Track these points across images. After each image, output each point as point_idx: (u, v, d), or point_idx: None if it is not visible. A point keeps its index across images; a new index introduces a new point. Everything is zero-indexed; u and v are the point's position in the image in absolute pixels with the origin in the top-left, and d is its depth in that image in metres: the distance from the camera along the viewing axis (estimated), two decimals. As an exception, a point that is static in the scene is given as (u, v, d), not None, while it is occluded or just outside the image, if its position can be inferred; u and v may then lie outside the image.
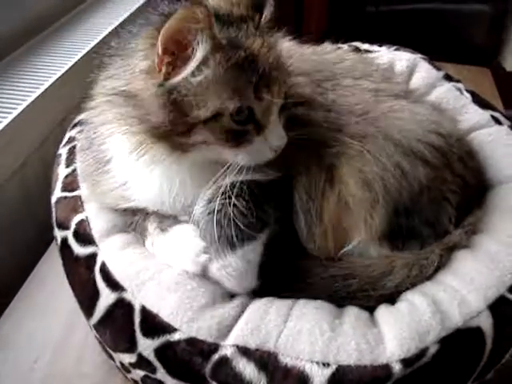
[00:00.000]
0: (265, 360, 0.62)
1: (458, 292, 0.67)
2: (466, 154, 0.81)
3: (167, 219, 0.75)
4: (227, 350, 0.63)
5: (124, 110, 0.67)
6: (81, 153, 0.86)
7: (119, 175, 0.74)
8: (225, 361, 0.62)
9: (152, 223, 0.75)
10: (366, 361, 0.61)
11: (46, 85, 1.12)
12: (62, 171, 0.88)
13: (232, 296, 0.69)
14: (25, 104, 1.05)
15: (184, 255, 0.69)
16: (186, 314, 0.65)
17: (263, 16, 0.70)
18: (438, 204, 0.75)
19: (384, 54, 1.10)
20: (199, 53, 0.61)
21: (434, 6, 2.06)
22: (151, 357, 0.65)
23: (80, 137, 0.90)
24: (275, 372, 0.61)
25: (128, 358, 0.68)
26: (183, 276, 0.69)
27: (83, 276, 0.73)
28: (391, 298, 0.70)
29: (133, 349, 0.67)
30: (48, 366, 0.81)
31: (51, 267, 0.95)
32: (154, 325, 0.65)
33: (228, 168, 0.69)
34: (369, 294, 0.70)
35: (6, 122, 0.99)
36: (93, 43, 1.30)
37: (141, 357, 0.66)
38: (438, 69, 1.08)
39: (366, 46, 1.15)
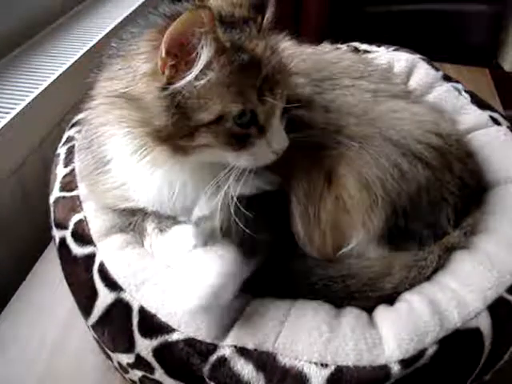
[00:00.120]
0: (263, 360, 0.62)
1: (456, 293, 0.67)
2: (464, 155, 0.81)
3: (166, 220, 0.74)
4: (225, 350, 0.63)
5: (126, 113, 0.67)
6: (79, 152, 0.86)
7: (119, 175, 0.74)
8: (223, 361, 0.62)
9: (151, 223, 0.75)
10: (364, 361, 0.61)
11: (45, 85, 1.12)
12: (60, 171, 0.88)
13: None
14: (23, 104, 1.05)
15: (182, 256, 0.68)
16: (184, 314, 0.65)
17: (265, 18, 0.70)
18: (436, 205, 0.75)
19: (383, 55, 1.10)
20: (203, 56, 0.61)
21: (433, 6, 2.06)
22: (149, 357, 0.65)
23: (78, 136, 0.90)
24: (273, 372, 0.61)
25: (126, 359, 0.68)
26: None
27: (81, 276, 0.73)
28: (390, 299, 0.70)
29: (131, 349, 0.67)
30: (46, 367, 0.81)
31: (49, 267, 0.95)
32: (152, 325, 0.65)
33: (229, 170, 0.69)
34: (367, 295, 0.70)
35: (4, 121, 0.99)
36: (91, 43, 1.30)
37: (139, 357, 0.66)
38: (437, 69, 1.08)
39: (364, 47, 1.15)
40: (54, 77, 1.15)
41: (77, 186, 0.83)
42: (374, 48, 1.15)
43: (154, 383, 0.68)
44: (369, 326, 0.65)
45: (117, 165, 0.73)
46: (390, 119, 0.79)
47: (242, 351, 0.63)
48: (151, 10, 0.72)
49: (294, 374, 0.61)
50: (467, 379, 0.65)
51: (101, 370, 0.80)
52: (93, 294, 0.70)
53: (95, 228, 0.77)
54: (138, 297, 0.67)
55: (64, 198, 0.82)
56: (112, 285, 0.70)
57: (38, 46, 1.27)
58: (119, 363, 0.71)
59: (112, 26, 1.41)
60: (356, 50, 1.13)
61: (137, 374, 0.69)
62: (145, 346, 0.65)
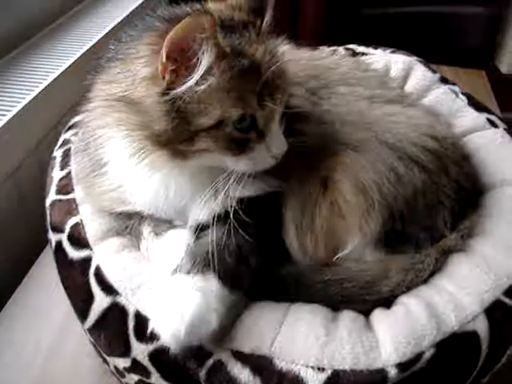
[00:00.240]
0: (260, 364, 0.62)
1: (453, 296, 0.67)
2: (461, 158, 0.81)
3: (162, 224, 0.74)
4: (222, 354, 0.63)
5: (125, 116, 0.67)
6: (76, 155, 0.85)
7: (116, 178, 0.74)
8: (219, 365, 0.62)
9: (147, 227, 0.75)
10: (361, 365, 0.61)
11: (41, 87, 1.11)
12: (56, 174, 0.87)
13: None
14: (19, 107, 1.05)
15: (178, 260, 0.68)
16: (180, 319, 0.64)
17: (264, 21, 0.70)
18: (433, 208, 0.75)
19: (380, 57, 1.10)
20: (204, 62, 0.61)
21: (429, 8, 2.06)
22: (145, 361, 0.65)
23: (75, 139, 0.90)
24: (270, 376, 0.61)
25: (122, 363, 0.68)
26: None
27: (77, 280, 0.73)
28: (387, 302, 0.70)
29: (127, 353, 0.66)
30: (42, 371, 0.81)
31: (46, 270, 0.94)
32: (148, 329, 0.65)
33: (228, 174, 0.69)
34: (364, 298, 0.70)
35: (0, 124, 0.99)
36: (88, 46, 1.30)
37: (135, 361, 0.66)
38: (434, 71, 1.08)
39: (361, 49, 1.15)
40: (50, 79, 1.14)
41: (73, 189, 0.83)
42: (370, 50, 1.15)
43: (150, 387, 0.68)
44: (366, 330, 0.65)
45: (114, 167, 0.73)
46: (386, 123, 0.79)
47: (239, 355, 0.62)
48: (149, 12, 0.71)
49: (290, 378, 0.61)
50: (464, 382, 0.64)
51: (97, 373, 0.80)
52: (89, 298, 0.70)
53: (91, 231, 0.76)
54: (133, 301, 0.67)
55: (60, 201, 0.82)
56: (108, 289, 0.69)
57: (33, 49, 1.27)
58: (116, 367, 0.71)
59: (110, 27, 1.41)
60: (353, 52, 1.13)
61: (133, 378, 0.69)
62: (141, 351, 0.65)
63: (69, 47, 1.29)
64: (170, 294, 0.63)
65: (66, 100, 1.16)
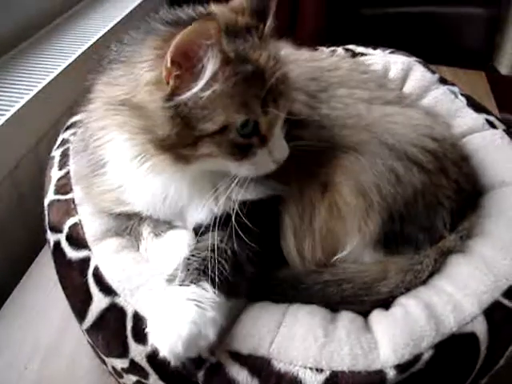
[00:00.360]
0: (258, 366, 0.62)
1: (452, 297, 0.67)
2: (460, 159, 0.81)
3: (162, 224, 0.74)
4: (220, 355, 0.63)
5: (127, 119, 0.66)
6: (75, 155, 0.85)
7: (115, 179, 0.74)
8: (218, 367, 0.62)
9: (146, 228, 0.75)
10: (359, 366, 0.61)
11: (40, 87, 1.11)
12: (54, 174, 0.87)
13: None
14: (17, 106, 1.05)
15: (177, 261, 0.68)
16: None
17: (266, 25, 0.70)
18: (432, 209, 0.75)
19: (379, 57, 1.10)
20: (209, 68, 0.60)
21: (429, 9, 2.06)
22: (143, 363, 0.65)
23: (74, 139, 0.90)
24: (268, 378, 0.61)
25: (120, 364, 0.68)
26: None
27: (76, 280, 0.72)
28: (385, 303, 0.70)
29: (125, 354, 0.66)
30: (39, 371, 0.81)
31: (44, 271, 0.94)
32: (146, 330, 0.65)
33: (230, 178, 0.69)
34: (363, 299, 0.70)
35: (-2, 123, 0.99)
36: (86, 45, 1.30)
37: (133, 362, 0.66)
38: (433, 72, 1.08)
39: (360, 49, 1.15)
40: (48, 79, 1.15)
41: (72, 189, 0.83)
42: (370, 51, 1.14)
43: (148, 388, 0.68)
44: (364, 331, 0.65)
45: (113, 168, 0.73)
46: (385, 124, 0.79)
47: (237, 356, 0.62)
48: (152, 14, 0.71)
49: (288, 379, 0.60)
50: (463, 384, 0.64)
51: (95, 374, 0.80)
52: (87, 298, 0.70)
53: (90, 232, 0.76)
54: (132, 302, 0.67)
55: (59, 200, 0.82)
56: (106, 289, 0.69)
57: (32, 49, 1.27)
58: (114, 368, 0.71)
59: (109, 27, 1.41)
60: (352, 52, 1.13)
61: (131, 378, 0.69)
62: (139, 352, 0.65)
63: (67, 47, 1.29)
64: (166, 308, 0.62)
65: (64, 99, 1.16)
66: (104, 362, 0.74)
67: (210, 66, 0.60)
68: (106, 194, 0.75)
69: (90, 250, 0.74)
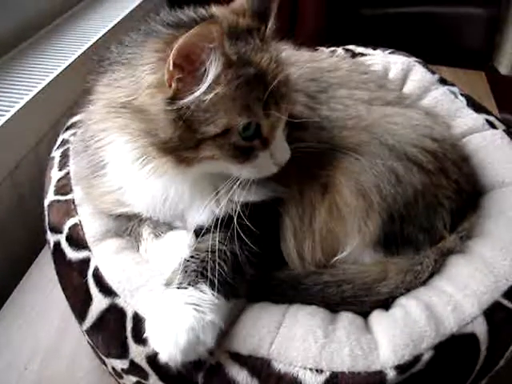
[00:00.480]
0: (258, 366, 0.62)
1: (452, 297, 0.67)
2: (460, 159, 0.81)
3: (162, 225, 0.74)
4: (220, 356, 0.63)
5: (128, 122, 0.66)
6: (75, 156, 0.85)
7: (115, 180, 0.73)
8: (217, 367, 0.62)
9: (147, 229, 0.75)
10: (359, 367, 0.61)
11: (40, 87, 1.11)
12: (54, 174, 0.87)
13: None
14: (17, 107, 1.05)
15: (177, 262, 0.68)
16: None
17: (268, 27, 0.70)
18: (432, 209, 0.75)
19: (379, 58, 1.10)
20: (212, 72, 0.60)
21: (429, 9, 2.06)
22: (143, 363, 0.65)
23: (74, 139, 0.90)
24: (268, 379, 0.61)
25: (120, 364, 0.68)
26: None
27: (76, 281, 0.72)
28: (385, 304, 0.70)
29: (125, 355, 0.66)
30: (39, 371, 0.81)
31: (44, 271, 0.94)
32: (145, 335, 0.64)
33: (232, 181, 0.69)
34: (363, 300, 0.70)
35: (-2, 124, 0.99)
36: (86, 46, 1.30)
37: (133, 363, 0.66)
38: (433, 72, 1.08)
39: (360, 49, 1.15)
40: (48, 79, 1.15)
41: (72, 190, 0.83)
42: (370, 51, 1.14)
43: (148, 389, 0.68)
44: (364, 331, 0.65)
45: (114, 169, 0.73)
46: (385, 124, 0.79)
47: (237, 357, 0.62)
48: (152, 16, 0.71)
49: (288, 379, 0.60)
50: (463, 385, 0.64)
51: (95, 374, 0.80)
52: (87, 299, 0.70)
53: (90, 232, 0.76)
54: (132, 302, 0.67)
55: (59, 201, 0.82)
56: (106, 290, 0.69)
57: (32, 49, 1.28)
58: (113, 369, 0.71)
59: (108, 27, 1.42)
60: (352, 53, 1.13)
61: (131, 379, 0.69)
62: (138, 353, 0.65)
63: (67, 48, 1.29)
64: (163, 313, 0.62)
65: (64, 100, 1.16)
66: (104, 363, 0.74)
67: (213, 69, 0.60)
68: (105, 196, 0.75)
69: (90, 250, 0.74)
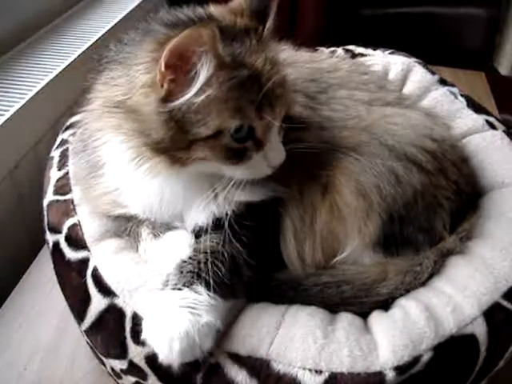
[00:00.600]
0: (257, 367, 0.62)
1: (452, 298, 0.67)
2: (459, 160, 0.81)
3: (161, 225, 0.74)
4: (219, 356, 0.62)
5: (123, 122, 0.66)
6: (74, 156, 0.85)
7: (112, 181, 0.73)
8: (216, 368, 0.62)
9: (145, 229, 0.75)
10: (358, 368, 0.61)
11: (39, 87, 1.11)
12: (53, 174, 0.87)
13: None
14: (17, 106, 1.05)
15: (176, 262, 0.68)
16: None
17: (266, 27, 0.70)
18: (432, 210, 0.75)
19: (379, 58, 1.10)
20: (203, 75, 0.60)
21: (429, 9, 2.07)
22: (142, 364, 0.65)
23: (73, 139, 0.90)
24: (267, 379, 0.61)
25: (119, 365, 0.68)
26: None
27: (75, 281, 0.72)
28: (385, 305, 0.70)
29: (124, 355, 0.66)
30: (39, 371, 0.80)
31: (43, 271, 0.94)
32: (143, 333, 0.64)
33: (226, 181, 0.68)
34: (362, 301, 0.70)
35: (-2, 124, 0.99)
36: (86, 45, 1.30)
37: (132, 363, 0.66)
38: (433, 73, 1.08)
39: (360, 50, 1.15)
40: (48, 79, 1.14)
41: (71, 190, 0.83)
42: (369, 51, 1.14)
43: (147, 389, 0.68)
44: (363, 332, 0.65)
45: (110, 170, 0.73)
46: (385, 125, 0.79)
47: (236, 357, 0.62)
48: (152, 14, 0.71)
49: (287, 380, 0.60)
50: (462, 385, 0.64)
51: (94, 374, 0.80)
52: (86, 299, 0.70)
53: (89, 232, 0.76)
54: (131, 303, 0.67)
55: (58, 201, 0.82)
56: (105, 290, 0.69)
57: (31, 49, 1.27)
58: (112, 369, 0.71)
59: (108, 27, 1.42)
60: (352, 53, 1.13)
61: (130, 379, 0.69)
62: (137, 353, 0.65)
63: (67, 47, 1.29)
64: (159, 316, 0.61)
65: (64, 100, 1.16)
66: (103, 363, 0.74)
67: (204, 71, 0.60)
68: (103, 197, 0.76)
69: (88, 250, 0.74)
